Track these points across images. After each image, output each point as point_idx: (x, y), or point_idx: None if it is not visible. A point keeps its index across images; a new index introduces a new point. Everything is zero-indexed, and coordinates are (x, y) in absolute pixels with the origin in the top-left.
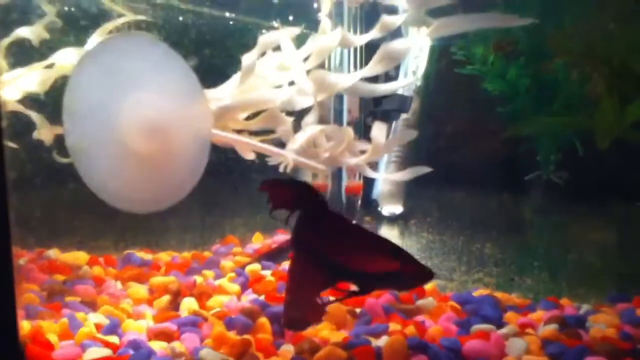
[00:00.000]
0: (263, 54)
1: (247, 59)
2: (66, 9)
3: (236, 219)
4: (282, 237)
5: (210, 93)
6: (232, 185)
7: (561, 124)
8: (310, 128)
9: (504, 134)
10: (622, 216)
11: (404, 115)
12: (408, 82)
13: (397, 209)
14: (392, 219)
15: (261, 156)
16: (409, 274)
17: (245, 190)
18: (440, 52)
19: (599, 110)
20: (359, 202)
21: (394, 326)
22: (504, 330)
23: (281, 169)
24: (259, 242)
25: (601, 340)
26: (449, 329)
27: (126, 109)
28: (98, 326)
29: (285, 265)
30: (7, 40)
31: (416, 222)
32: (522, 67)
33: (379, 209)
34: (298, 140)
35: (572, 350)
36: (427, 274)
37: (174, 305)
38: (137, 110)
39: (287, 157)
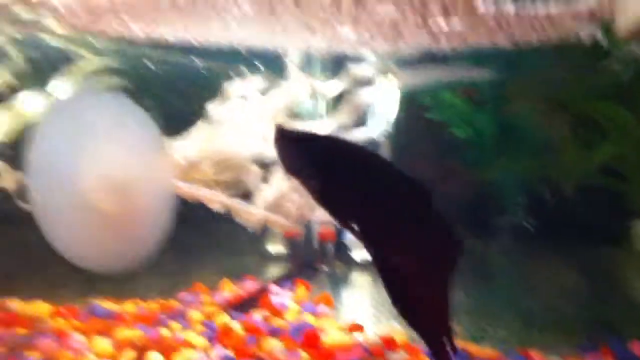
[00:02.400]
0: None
1: (212, 108)
2: (32, 54)
3: (205, 263)
4: (250, 284)
5: (176, 144)
6: (199, 229)
7: (526, 169)
8: (279, 183)
9: (470, 177)
10: (591, 261)
11: None
12: (377, 130)
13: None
14: (365, 265)
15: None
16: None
17: (213, 234)
18: (408, 98)
19: (563, 155)
20: (333, 248)
21: None
22: None
23: (250, 230)
24: (227, 289)
25: None
26: None
27: (87, 165)
28: None
29: (255, 315)
30: None
31: None
32: (488, 112)
33: (350, 253)
34: (266, 197)
35: None
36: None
37: None
38: (98, 166)
39: (254, 214)
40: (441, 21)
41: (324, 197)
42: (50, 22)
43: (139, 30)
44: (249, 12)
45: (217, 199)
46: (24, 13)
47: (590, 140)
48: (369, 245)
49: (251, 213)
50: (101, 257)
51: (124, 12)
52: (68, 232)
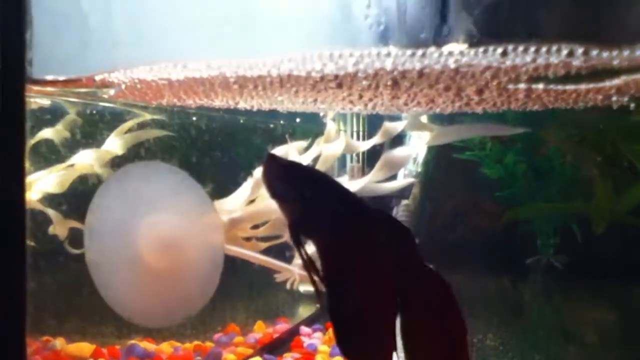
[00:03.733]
0: None
1: (258, 172)
2: (87, 112)
3: (237, 303)
4: (282, 325)
5: (222, 204)
6: (233, 269)
7: (557, 209)
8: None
9: (503, 218)
10: (623, 300)
11: (404, 202)
12: (409, 180)
13: None
14: None
15: None
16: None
17: (247, 274)
18: None
19: (595, 196)
20: None
21: None
22: None
23: (288, 286)
24: (260, 331)
25: None
26: None
27: (143, 229)
28: None
29: (287, 358)
30: (32, 141)
31: None
32: (519, 152)
33: None
34: (304, 255)
35: None
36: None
37: None
38: (153, 230)
39: (293, 272)
40: (474, 95)
41: (299, 223)
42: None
43: (192, 102)
44: (295, 92)
45: (262, 260)
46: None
47: (622, 181)
48: (329, 280)
49: (291, 271)
50: (149, 312)
51: (182, 91)
52: (122, 289)
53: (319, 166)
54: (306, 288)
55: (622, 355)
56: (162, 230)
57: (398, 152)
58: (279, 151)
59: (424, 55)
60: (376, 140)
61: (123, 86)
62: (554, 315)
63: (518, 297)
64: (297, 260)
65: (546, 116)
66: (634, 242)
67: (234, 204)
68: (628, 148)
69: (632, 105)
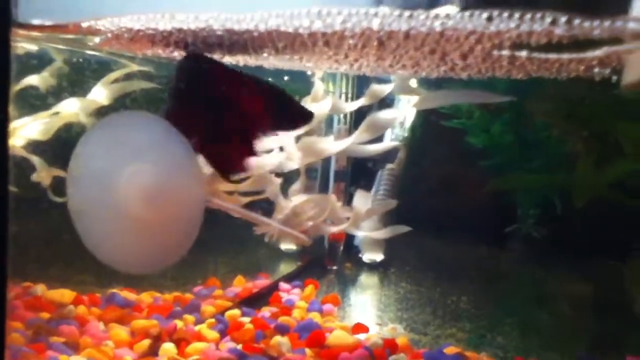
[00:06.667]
0: None
1: None
2: (74, 60)
3: (219, 258)
4: (262, 280)
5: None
6: (217, 224)
7: (540, 182)
8: (297, 197)
9: (486, 187)
10: (599, 274)
11: (389, 165)
12: (394, 144)
13: (378, 256)
14: (373, 266)
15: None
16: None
17: (230, 230)
18: None
19: (577, 170)
20: (341, 248)
21: None
22: None
23: (266, 239)
24: (240, 285)
25: None
26: None
27: (125, 177)
28: None
29: (264, 311)
30: (17, 87)
31: (395, 271)
32: (506, 123)
33: (360, 255)
34: (284, 210)
35: None
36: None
37: (154, 350)
38: (135, 179)
39: (272, 226)
40: (458, 60)
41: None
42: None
43: (177, 54)
44: (282, 49)
45: (242, 213)
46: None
47: (606, 157)
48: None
49: (269, 226)
50: (131, 260)
51: (172, 42)
52: (104, 236)
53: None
54: (288, 246)
55: (592, 326)
56: (144, 179)
57: (383, 114)
58: None
59: (411, 16)
60: (363, 101)
61: (109, 34)
62: (528, 284)
63: (495, 264)
64: (278, 215)
65: (534, 88)
66: (613, 218)
67: None
68: (614, 124)
69: (614, 78)
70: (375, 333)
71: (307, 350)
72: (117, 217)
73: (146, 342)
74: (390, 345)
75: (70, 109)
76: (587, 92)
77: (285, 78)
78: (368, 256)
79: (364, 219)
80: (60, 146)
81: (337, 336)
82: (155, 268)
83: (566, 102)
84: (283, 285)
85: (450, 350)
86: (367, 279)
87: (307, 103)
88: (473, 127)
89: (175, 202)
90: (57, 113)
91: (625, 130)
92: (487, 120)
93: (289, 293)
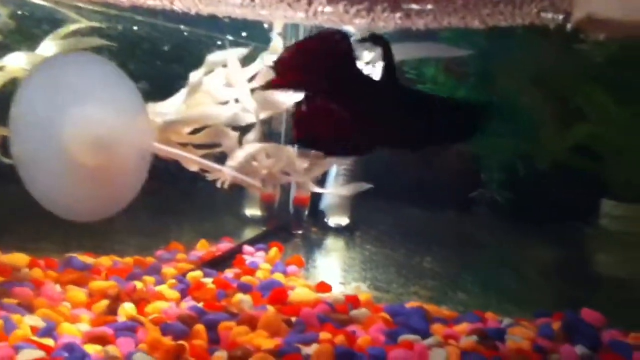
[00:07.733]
0: (210, 71)
1: (194, 76)
2: (19, 12)
3: (183, 224)
4: (226, 244)
5: (157, 107)
6: (180, 190)
7: (505, 146)
8: (250, 146)
9: (451, 151)
10: (560, 235)
11: None
12: None
13: (343, 220)
14: (338, 230)
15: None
16: None
17: (194, 196)
18: None
19: (542, 133)
20: (306, 212)
21: (324, 335)
22: (428, 341)
23: (218, 185)
24: (203, 249)
25: (515, 352)
26: (378, 339)
27: (71, 123)
28: (33, 329)
29: (227, 273)
30: None
31: (361, 234)
32: (472, 88)
33: (326, 220)
34: (237, 157)
35: None
36: None
37: (112, 310)
38: (81, 124)
39: (225, 174)
40: (412, 2)
41: None
42: None
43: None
44: None
45: (191, 159)
46: None
47: (568, 121)
48: None
49: (222, 172)
50: (77, 207)
51: None
52: (49, 183)
53: (260, 80)
54: (253, 212)
55: (552, 285)
56: (89, 122)
57: None
58: (217, 56)
59: None
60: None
61: None
62: (492, 246)
63: (459, 228)
64: (231, 162)
65: (499, 53)
66: (574, 182)
67: (168, 108)
68: (576, 88)
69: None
70: (339, 292)
71: (269, 307)
72: (60, 164)
73: (104, 303)
74: (352, 301)
75: (17, 63)
76: (551, 56)
77: (244, 34)
78: (334, 220)
79: (321, 170)
80: (7, 103)
81: (299, 293)
82: (99, 216)
83: (532, 66)
84: (247, 248)
85: (412, 304)
86: (333, 243)
87: (266, 58)
88: (438, 92)
89: (120, 144)
90: (2, 67)
91: (587, 95)
92: (452, 85)
93: (253, 256)
